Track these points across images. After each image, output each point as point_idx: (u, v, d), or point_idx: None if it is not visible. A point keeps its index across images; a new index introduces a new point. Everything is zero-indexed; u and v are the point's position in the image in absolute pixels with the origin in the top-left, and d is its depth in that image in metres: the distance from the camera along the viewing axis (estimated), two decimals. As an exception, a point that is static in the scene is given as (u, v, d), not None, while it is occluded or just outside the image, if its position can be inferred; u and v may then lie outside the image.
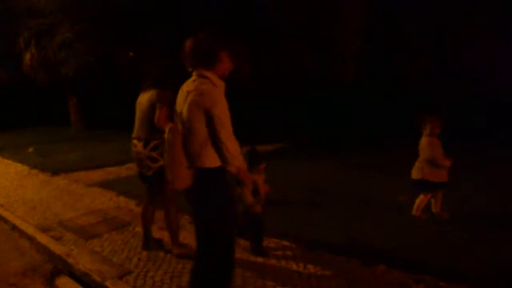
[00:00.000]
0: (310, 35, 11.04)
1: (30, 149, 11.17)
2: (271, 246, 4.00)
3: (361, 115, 11.91)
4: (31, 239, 4.71)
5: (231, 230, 2.60)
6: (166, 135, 2.55)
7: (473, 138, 7.99)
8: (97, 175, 7.88)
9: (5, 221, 5.37)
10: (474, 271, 3.30)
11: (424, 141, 4.69)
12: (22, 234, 4.92)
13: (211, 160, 2.46)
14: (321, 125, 11.98)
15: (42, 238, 4.58)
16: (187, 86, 2.52)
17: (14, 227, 5.11)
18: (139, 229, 4.69)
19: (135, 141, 3.84)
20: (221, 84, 2.50)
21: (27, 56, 13.57)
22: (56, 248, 4.30)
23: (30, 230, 4.87)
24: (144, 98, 3.82)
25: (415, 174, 4.74)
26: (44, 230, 4.84)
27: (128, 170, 7.91)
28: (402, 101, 10.90)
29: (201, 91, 2.40)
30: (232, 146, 2.41)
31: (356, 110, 12.10)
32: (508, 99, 9.12)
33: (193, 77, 2.53)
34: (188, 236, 4.28)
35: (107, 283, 3.40)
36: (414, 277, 3.23)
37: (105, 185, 6.94)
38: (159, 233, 4.48)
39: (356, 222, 4.64)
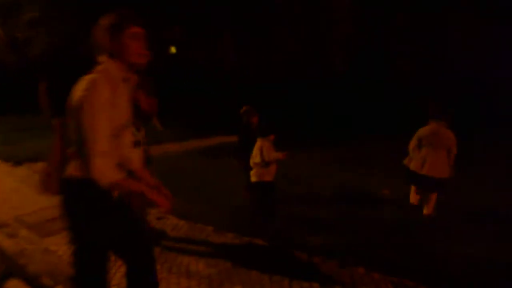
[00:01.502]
0: (298, 20, 10.71)
1: (-5, 137, 10.61)
2: (242, 243, 3.73)
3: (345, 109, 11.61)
4: (-17, 236, 4.33)
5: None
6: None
7: (473, 137, 7.92)
8: (63, 165, 7.44)
9: (-43, 216, 4.94)
10: (455, 276, 3.10)
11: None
12: (-26, 230, 4.52)
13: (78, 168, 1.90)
14: (303, 117, 11.70)
15: (-5, 235, 4.20)
16: None
17: (-34, 223, 4.70)
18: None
19: None
20: (117, 74, 1.90)
21: (-6, 37, 12.91)
22: (9, 247, 3.93)
23: (-17, 226, 4.48)
24: None
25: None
26: (-1, 226, 4.46)
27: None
28: (390, 95, 10.70)
29: (84, 82, 1.82)
30: (100, 161, 1.77)
31: (341, 103, 11.82)
32: (508, 99, 9.06)
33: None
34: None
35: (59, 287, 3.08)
36: (393, 280, 3.01)
37: (70, 176, 6.53)
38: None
39: (336, 219, 4.41)
